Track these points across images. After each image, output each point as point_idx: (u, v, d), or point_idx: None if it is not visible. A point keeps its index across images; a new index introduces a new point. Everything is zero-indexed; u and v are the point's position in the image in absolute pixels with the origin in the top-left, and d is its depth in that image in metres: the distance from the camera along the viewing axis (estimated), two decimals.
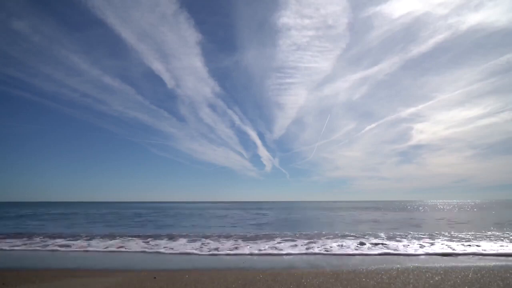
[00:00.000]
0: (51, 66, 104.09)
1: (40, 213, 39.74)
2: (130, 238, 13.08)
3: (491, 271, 6.60)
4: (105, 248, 10.81)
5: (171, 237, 13.34)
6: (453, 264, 7.62)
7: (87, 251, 10.41)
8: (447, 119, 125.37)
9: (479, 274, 6.32)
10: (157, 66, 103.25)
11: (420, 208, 53.33)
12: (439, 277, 6.12)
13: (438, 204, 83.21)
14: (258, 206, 70.88)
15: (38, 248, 10.98)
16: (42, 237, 13.58)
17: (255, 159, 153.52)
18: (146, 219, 26.96)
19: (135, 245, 11.30)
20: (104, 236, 13.90)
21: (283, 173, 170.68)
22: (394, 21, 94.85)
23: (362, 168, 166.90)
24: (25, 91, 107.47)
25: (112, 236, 13.81)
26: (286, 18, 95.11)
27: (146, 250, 10.41)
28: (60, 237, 13.84)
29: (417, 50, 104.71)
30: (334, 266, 7.50)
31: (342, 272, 6.71)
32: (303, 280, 5.95)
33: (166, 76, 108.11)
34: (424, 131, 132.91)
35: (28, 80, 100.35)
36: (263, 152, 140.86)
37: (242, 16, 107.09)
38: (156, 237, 13.55)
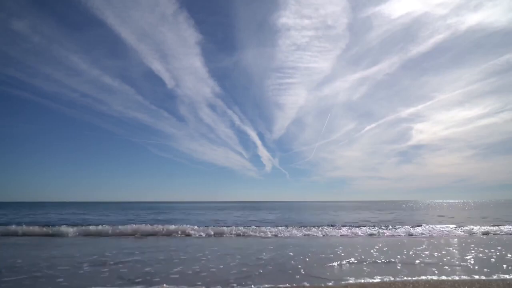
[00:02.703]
0: (51, 66, 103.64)
1: None
2: None
3: None
4: None
5: None
6: None
7: None
8: (447, 119, 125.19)
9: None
10: (157, 66, 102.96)
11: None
12: (438, 278, 6.20)
13: (430, 204, 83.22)
14: (260, 206, 71.11)
15: None
16: None
17: (255, 159, 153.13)
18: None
19: None
20: None
21: (283, 173, 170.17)
22: (393, 21, 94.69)
23: (362, 168, 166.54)
24: (25, 91, 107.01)
25: None
26: (286, 18, 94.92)
27: None
28: None
29: (416, 50, 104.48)
30: None
31: None
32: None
33: (166, 76, 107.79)
34: (424, 131, 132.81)
35: (28, 80, 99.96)
36: (263, 152, 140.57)
37: (241, 16, 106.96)
38: None
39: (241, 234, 14.24)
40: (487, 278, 6.16)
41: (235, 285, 5.81)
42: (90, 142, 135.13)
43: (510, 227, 16.46)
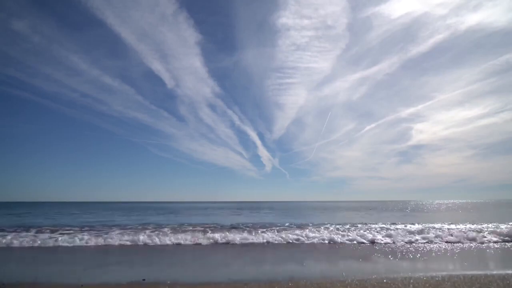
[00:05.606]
0: (51, 66, 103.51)
1: None
2: None
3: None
4: None
5: None
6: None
7: None
8: (447, 119, 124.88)
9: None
10: (157, 66, 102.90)
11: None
12: (440, 277, 6.11)
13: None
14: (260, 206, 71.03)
15: None
16: None
17: (255, 159, 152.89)
18: None
19: None
20: None
21: (283, 173, 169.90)
22: (393, 21, 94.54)
23: (361, 168, 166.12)
24: (25, 91, 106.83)
25: None
26: (285, 18, 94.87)
27: None
28: None
29: (416, 50, 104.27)
30: None
31: None
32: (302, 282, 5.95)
33: (165, 76, 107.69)
34: (424, 131, 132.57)
35: (28, 80, 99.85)
36: (263, 152, 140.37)
37: (241, 16, 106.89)
38: None
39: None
40: (487, 277, 6.07)
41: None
42: (90, 142, 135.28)
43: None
